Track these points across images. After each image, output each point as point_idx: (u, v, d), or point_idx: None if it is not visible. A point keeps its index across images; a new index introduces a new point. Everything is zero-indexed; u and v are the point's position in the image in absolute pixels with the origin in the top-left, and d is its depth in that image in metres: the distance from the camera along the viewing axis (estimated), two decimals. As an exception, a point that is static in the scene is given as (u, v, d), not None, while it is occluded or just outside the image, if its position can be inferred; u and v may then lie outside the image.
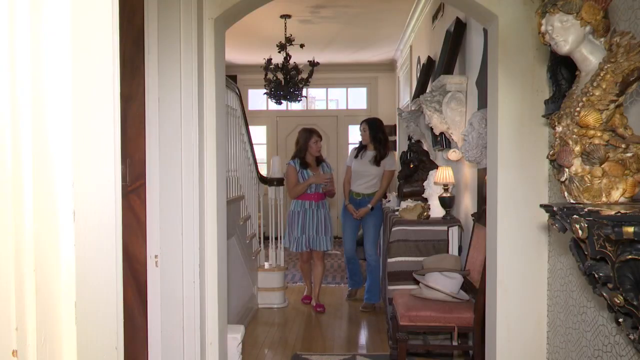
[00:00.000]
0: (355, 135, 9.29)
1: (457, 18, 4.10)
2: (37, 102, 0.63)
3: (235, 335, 2.98)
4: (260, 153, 8.84)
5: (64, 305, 0.67)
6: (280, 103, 6.94)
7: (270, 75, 6.65)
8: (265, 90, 6.90)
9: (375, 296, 4.94)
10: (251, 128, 5.38)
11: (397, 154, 6.50)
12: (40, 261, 0.63)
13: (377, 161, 4.96)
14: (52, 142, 0.65)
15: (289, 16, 6.19)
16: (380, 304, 4.93)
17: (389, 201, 5.03)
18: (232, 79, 6.01)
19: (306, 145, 4.95)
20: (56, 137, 0.66)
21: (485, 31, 3.26)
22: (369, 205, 4.95)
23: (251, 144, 5.24)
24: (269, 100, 7.26)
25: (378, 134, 5.00)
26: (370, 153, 5.01)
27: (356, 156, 5.09)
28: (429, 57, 5.35)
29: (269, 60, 6.56)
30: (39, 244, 0.63)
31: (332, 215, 5.32)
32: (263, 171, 6.70)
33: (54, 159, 0.65)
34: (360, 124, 5.18)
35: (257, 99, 9.33)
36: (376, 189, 5.00)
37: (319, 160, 5.07)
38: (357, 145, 5.29)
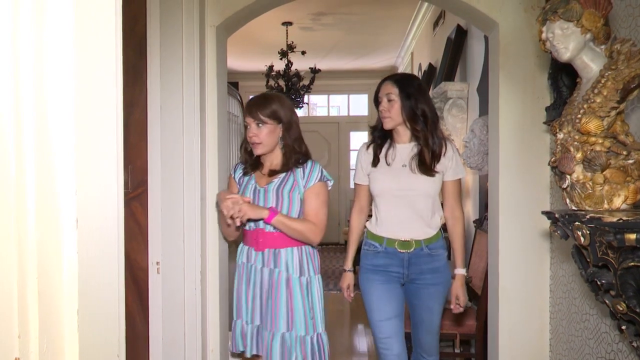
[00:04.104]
0: (358, 142, 9.24)
1: (458, 25, 4.12)
2: (39, 109, 0.63)
3: (237, 343, 2.97)
4: (262, 159, 8.83)
5: (67, 313, 0.67)
6: (281, 110, 6.94)
7: (271, 82, 6.68)
8: (266, 97, 6.91)
9: None
10: (253, 135, 5.37)
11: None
12: (43, 268, 0.63)
13: (426, 163, 2.19)
14: (54, 149, 0.65)
15: (290, 23, 6.21)
16: None
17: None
18: (234, 86, 6.02)
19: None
20: (58, 144, 0.66)
21: (486, 38, 3.27)
22: (461, 271, 2.32)
23: (253, 151, 5.22)
24: (271, 106, 7.27)
25: (419, 104, 2.19)
26: (405, 148, 2.25)
27: (375, 161, 2.27)
28: (430, 63, 5.36)
29: (271, 67, 6.59)
30: (42, 251, 0.63)
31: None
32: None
33: (57, 166, 0.65)
34: (380, 86, 2.26)
35: (259, 105, 9.35)
36: (437, 224, 2.27)
37: (293, 160, 2.20)
38: (366, 140, 2.37)
